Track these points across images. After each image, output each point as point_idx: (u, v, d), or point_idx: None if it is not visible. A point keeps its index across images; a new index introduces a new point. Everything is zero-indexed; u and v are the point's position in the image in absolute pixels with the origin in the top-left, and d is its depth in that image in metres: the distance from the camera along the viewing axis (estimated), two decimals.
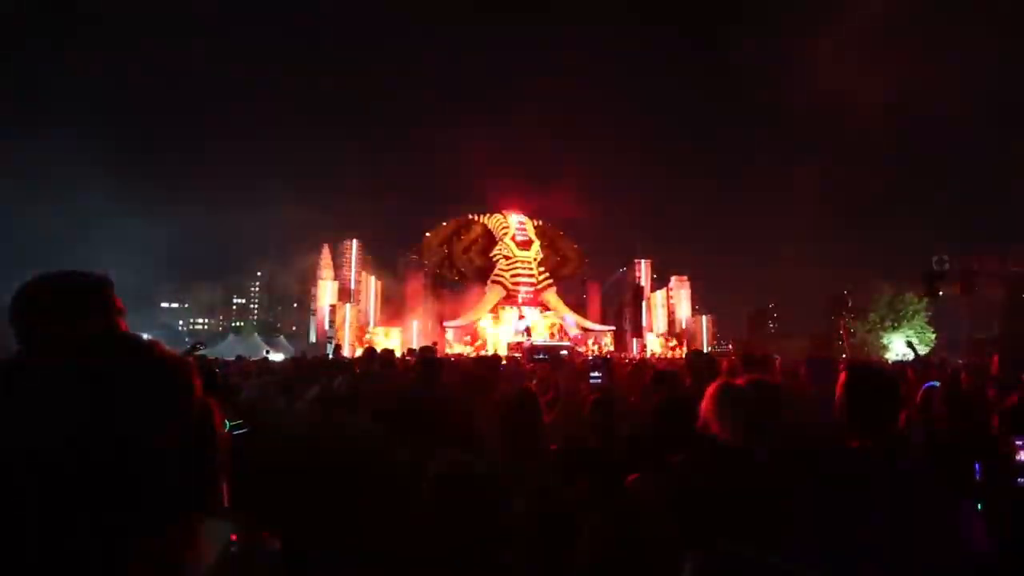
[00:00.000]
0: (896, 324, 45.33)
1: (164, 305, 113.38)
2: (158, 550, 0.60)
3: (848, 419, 2.11)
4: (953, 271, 27.73)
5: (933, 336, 44.37)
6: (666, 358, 27.69)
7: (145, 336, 0.74)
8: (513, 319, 40.69)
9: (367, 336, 35.93)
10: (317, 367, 9.69)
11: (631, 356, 36.32)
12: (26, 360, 0.66)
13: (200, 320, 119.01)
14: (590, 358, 5.00)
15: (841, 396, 2.14)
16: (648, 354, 38.94)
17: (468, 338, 39.04)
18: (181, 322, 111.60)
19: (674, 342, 42.37)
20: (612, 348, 41.70)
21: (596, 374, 4.05)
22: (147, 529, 0.60)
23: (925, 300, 41.38)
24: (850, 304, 54.93)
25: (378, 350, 7.58)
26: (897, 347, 42.46)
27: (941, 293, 27.31)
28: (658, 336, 44.54)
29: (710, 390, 2.38)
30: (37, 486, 0.55)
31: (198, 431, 0.69)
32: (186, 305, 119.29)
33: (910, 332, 44.57)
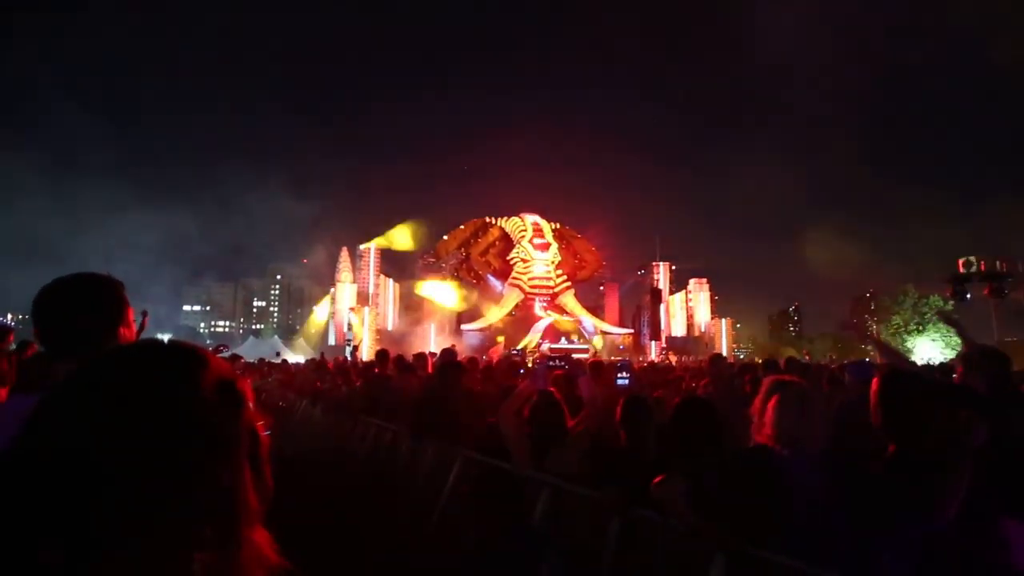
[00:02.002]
0: (921, 327, 44.45)
1: (187, 308, 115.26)
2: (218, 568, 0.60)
3: (883, 425, 2.07)
4: (980, 273, 27.13)
5: (959, 340, 43.40)
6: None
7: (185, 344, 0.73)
8: (530, 322, 40.66)
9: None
10: (337, 371, 9.78)
11: (649, 360, 36.10)
12: (83, 368, 0.65)
13: (221, 322, 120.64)
14: (617, 361, 4.97)
15: (876, 401, 2.10)
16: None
17: (485, 341, 39.06)
18: (203, 324, 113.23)
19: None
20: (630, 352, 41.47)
21: (624, 375, 4.01)
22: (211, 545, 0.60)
23: (951, 303, 40.55)
24: (873, 307, 54.09)
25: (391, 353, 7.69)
26: (921, 351, 41.61)
27: (969, 296, 26.71)
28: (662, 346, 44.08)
29: (775, 391, 2.24)
30: (91, 503, 0.54)
31: (251, 447, 0.69)
32: (208, 308, 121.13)
33: (935, 336, 43.68)
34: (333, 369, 10.40)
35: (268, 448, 0.70)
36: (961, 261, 27.08)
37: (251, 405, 0.69)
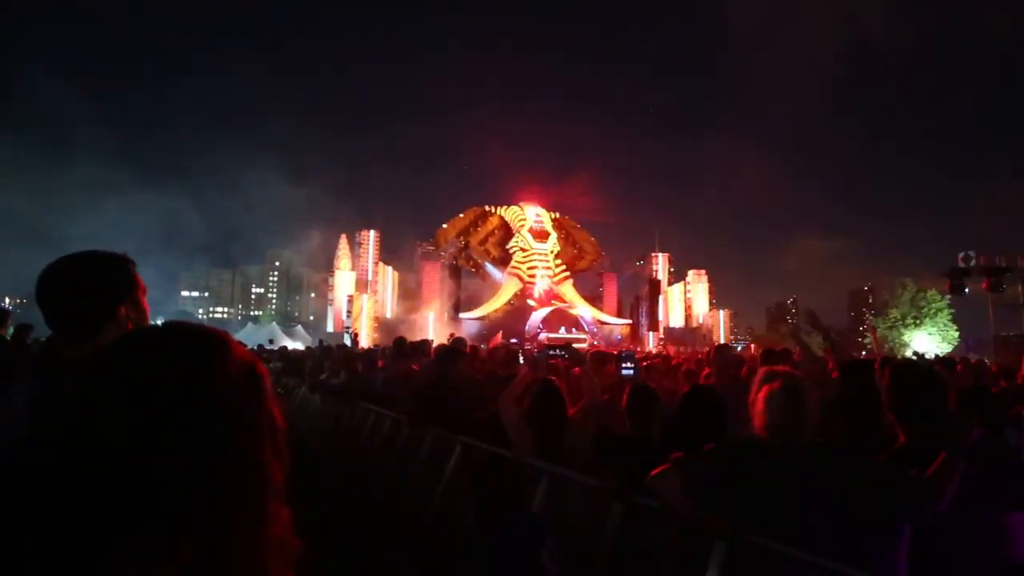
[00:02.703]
0: (918, 321, 44.51)
1: (184, 293, 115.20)
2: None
3: (896, 415, 2.07)
4: (979, 268, 27.18)
5: (956, 334, 43.51)
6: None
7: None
8: (528, 311, 40.64)
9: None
10: (342, 359, 9.78)
11: (647, 350, 36.15)
12: (106, 355, 0.65)
13: (220, 308, 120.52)
14: (621, 352, 4.94)
15: (888, 392, 2.11)
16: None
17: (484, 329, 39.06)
18: (201, 310, 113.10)
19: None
20: (627, 343, 41.49)
21: (628, 365, 3.99)
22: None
23: (948, 297, 40.55)
24: (871, 300, 54.15)
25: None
26: (918, 344, 41.68)
27: (967, 290, 26.73)
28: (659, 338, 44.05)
29: (766, 382, 2.26)
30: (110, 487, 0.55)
31: (271, 428, 0.69)
32: (205, 294, 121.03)
33: (932, 330, 43.75)
34: (337, 357, 10.39)
35: (284, 431, 0.70)
36: (960, 255, 27.13)
37: (270, 388, 0.70)
